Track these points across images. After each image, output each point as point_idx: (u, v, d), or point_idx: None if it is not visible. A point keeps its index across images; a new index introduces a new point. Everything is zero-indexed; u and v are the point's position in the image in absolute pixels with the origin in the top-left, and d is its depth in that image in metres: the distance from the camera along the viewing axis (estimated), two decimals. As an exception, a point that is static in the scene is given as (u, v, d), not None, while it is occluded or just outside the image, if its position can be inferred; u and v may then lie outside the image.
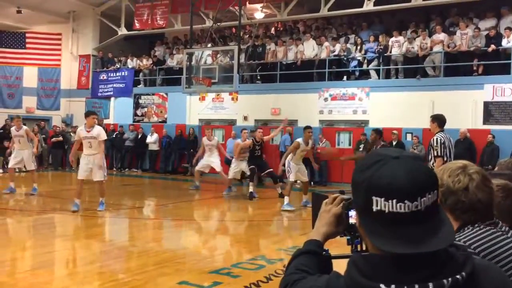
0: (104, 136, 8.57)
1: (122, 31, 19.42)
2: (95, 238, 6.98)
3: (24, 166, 11.32)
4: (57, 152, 18.12)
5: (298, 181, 10.94)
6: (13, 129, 10.98)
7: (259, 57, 16.68)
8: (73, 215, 8.35)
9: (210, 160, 12.07)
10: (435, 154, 6.09)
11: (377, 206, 0.98)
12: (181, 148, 17.13)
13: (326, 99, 15.14)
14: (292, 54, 15.94)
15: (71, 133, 18.31)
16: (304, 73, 15.50)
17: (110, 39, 19.82)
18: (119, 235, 7.52)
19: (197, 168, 12.40)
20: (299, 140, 9.48)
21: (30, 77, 20.56)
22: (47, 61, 20.75)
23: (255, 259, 5.54)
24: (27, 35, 20.52)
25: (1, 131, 17.89)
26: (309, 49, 15.64)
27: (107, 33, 19.92)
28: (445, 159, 5.98)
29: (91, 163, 8.45)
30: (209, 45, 16.75)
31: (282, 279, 1.23)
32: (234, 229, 8.29)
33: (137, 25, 18.69)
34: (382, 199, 0.98)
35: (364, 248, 1.31)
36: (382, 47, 14.53)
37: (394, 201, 0.97)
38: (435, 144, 6.12)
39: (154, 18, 18.28)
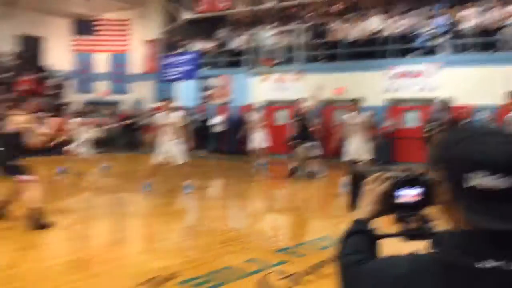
0: (183, 121, 8.76)
1: (187, 15, 19.75)
2: (165, 217, 7.26)
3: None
4: (127, 134, 18.92)
5: None
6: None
7: (323, 35, 16.41)
8: (144, 195, 8.71)
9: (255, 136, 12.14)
10: None
11: (470, 182, 0.96)
12: (245, 129, 17.28)
13: (392, 77, 14.68)
14: (357, 31, 15.54)
15: (140, 116, 19.04)
16: (369, 51, 15.08)
17: (176, 23, 20.24)
18: (187, 215, 7.78)
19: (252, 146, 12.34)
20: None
21: (101, 62, 21.51)
22: (116, 46, 21.57)
23: (320, 239, 5.54)
24: (98, 22, 21.39)
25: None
26: (375, 25, 15.18)
27: (172, 17, 20.35)
28: None
29: (170, 147, 8.61)
30: (272, 25, 16.68)
31: (340, 259, 1.21)
32: (299, 208, 8.32)
33: (201, 8, 18.92)
34: (476, 174, 0.95)
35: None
36: (452, 20, 13.82)
37: (489, 176, 0.94)
38: None
39: (218, 1, 18.42)
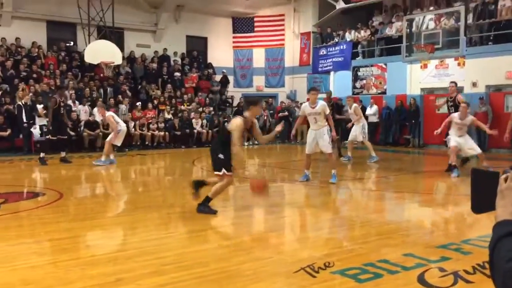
0: (327, 111, 8.84)
1: (340, 4, 19.61)
2: (320, 207, 7.38)
3: None
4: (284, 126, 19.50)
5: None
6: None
7: (490, 15, 14.92)
8: (300, 184, 8.95)
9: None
10: None
11: None
12: (402, 119, 16.64)
13: None
14: (532, 7, 13.81)
15: (296, 108, 19.48)
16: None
17: (329, 14, 20.23)
18: (342, 205, 7.78)
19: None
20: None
21: (258, 58, 22.51)
22: (272, 41, 22.36)
23: (485, 237, 5.10)
24: (255, 19, 22.41)
25: (236, 108, 20.09)
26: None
27: (325, 9, 20.39)
28: None
29: (317, 137, 8.74)
30: (431, 8, 15.68)
31: (506, 266, 1.11)
32: (461, 203, 7.76)
33: (355, -4, 18.61)
34: None
35: None
36: None
37: None
38: None
39: (372, -13, 17.91)
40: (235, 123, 6.16)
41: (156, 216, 6.37)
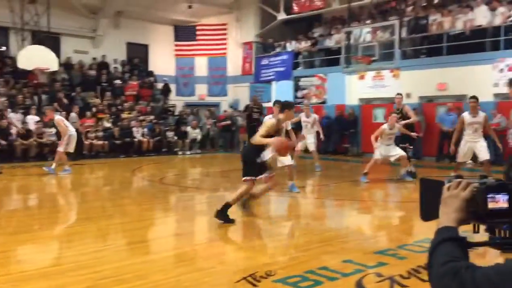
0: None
1: (282, 15, 19.95)
2: (262, 215, 7.41)
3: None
4: (226, 135, 19.53)
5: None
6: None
7: (422, 29, 15.70)
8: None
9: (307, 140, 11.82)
10: None
11: None
12: (341, 129, 17.08)
13: (501, 70, 13.65)
14: (461, 24, 14.67)
15: (238, 117, 19.55)
16: (475, 43, 14.15)
17: (270, 24, 20.52)
18: (283, 213, 7.86)
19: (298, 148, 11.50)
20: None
21: (201, 66, 22.42)
22: (215, 50, 22.36)
23: (422, 241, 5.32)
24: (197, 27, 22.34)
25: (178, 117, 19.90)
26: (481, 16, 14.23)
27: (267, 19, 20.68)
28: None
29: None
30: (368, 21, 16.29)
31: (436, 271, 1.17)
32: (398, 209, 8.05)
33: (295, 8, 19.01)
34: None
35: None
36: None
37: None
38: None
39: (312, 0, 18.37)
40: (267, 122, 6.16)
41: (93, 228, 6.15)
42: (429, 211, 1.37)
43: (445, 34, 14.94)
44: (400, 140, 10.65)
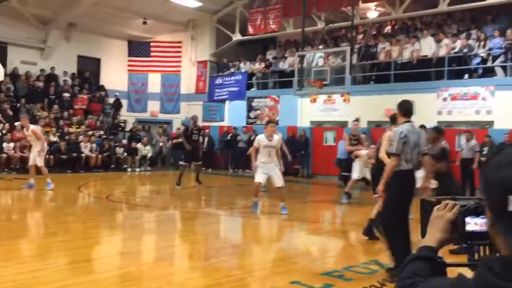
0: (282, 144, 8.93)
1: (237, 36, 20.15)
2: (211, 235, 7.34)
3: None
4: (178, 152, 19.29)
5: None
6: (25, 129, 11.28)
7: (372, 57, 16.29)
8: (192, 212, 8.84)
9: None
10: (390, 150, 4.96)
11: (510, 206, 0.96)
12: (293, 150, 17.27)
13: (445, 99, 14.32)
14: (408, 53, 15.33)
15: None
16: (421, 73, 14.81)
17: (225, 44, 20.67)
18: (233, 233, 7.81)
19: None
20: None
21: (154, 83, 22.19)
22: (169, 67, 22.23)
23: (368, 263, 5.43)
24: (151, 44, 22.16)
25: (130, 133, 19.55)
26: (427, 47, 14.93)
27: (222, 39, 20.81)
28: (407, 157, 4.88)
29: (268, 170, 8.61)
30: (321, 47, 16.72)
31: (397, 284, 1.22)
32: (346, 231, 8.19)
33: (250, 30, 19.25)
34: None
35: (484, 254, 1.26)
36: (509, 41, 13.38)
37: None
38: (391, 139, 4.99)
39: (267, 23, 18.69)
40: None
41: (34, 246, 5.88)
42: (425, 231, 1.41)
43: (393, 63, 15.56)
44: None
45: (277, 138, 8.74)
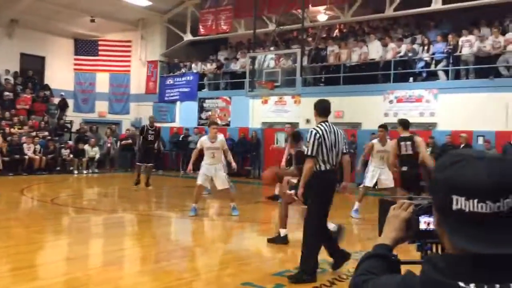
0: (225, 146, 8.74)
1: (188, 36, 19.98)
2: (161, 237, 7.22)
3: None
4: (127, 154, 18.89)
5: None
6: None
7: (322, 59, 16.58)
8: (140, 215, 8.67)
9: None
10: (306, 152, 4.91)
11: (457, 205, 0.99)
12: (244, 151, 17.32)
13: (391, 102, 14.78)
14: (356, 56, 15.71)
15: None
16: (369, 75, 15.24)
17: (176, 44, 20.44)
18: (183, 236, 7.72)
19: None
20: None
21: (102, 83, 21.62)
22: (117, 67, 21.73)
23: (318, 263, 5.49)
24: (99, 42, 21.59)
25: (77, 134, 18.94)
26: (374, 50, 15.36)
27: (173, 39, 20.57)
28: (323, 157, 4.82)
29: (212, 172, 8.55)
30: (272, 48, 16.85)
31: (351, 281, 1.24)
32: (297, 231, 8.27)
33: (202, 30, 19.13)
34: (463, 198, 0.98)
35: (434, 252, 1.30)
36: (451, 47, 13.98)
37: (475, 200, 0.97)
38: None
39: (218, 23, 18.64)
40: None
41: (-28, 253, 5.58)
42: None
43: (342, 65, 15.90)
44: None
45: (220, 139, 8.72)
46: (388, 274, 1.16)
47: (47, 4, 18.02)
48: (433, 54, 14.38)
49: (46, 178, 14.94)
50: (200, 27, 19.12)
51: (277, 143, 16.21)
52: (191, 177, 15.47)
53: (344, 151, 5.09)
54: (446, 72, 14.10)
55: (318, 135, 4.80)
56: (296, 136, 6.99)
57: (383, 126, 9.20)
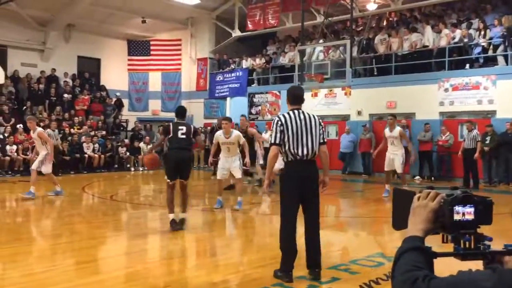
0: (242, 140, 8.92)
1: (236, 33, 20.11)
2: (216, 231, 7.34)
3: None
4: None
5: None
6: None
7: (372, 49, 16.23)
8: (196, 210, 8.85)
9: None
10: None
11: None
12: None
13: (446, 90, 14.28)
14: (408, 44, 15.27)
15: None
16: (422, 64, 14.78)
17: (225, 41, 20.64)
18: (237, 229, 7.81)
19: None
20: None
21: (154, 81, 22.18)
22: (169, 65, 22.22)
23: (373, 256, 5.42)
24: (151, 42, 22.14)
25: (132, 132, 19.55)
26: (427, 37, 14.88)
27: (222, 36, 20.78)
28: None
29: (228, 164, 8.83)
30: (321, 40, 16.67)
31: (400, 277, 1.19)
32: (350, 225, 8.19)
33: (250, 26, 19.21)
34: None
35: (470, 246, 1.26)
36: (505, 29, 13.30)
37: None
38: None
39: (266, 18, 18.64)
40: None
41: (40, 248, 5.89)
42: (400, 220, 1.40)
43: (394, 54, 15.50)
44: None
45: (234, 135, 8.88)
46: (462, 271, 1.12)
47: (100, 7, 18.66)
48: (491, 39, 13.75)
49: (105, 175, 15.54)
50: (248, 22, 19.20)
51: (328, 136, 16.04)
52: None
53: (321, 141, 4.64)
54: (506, 57, 13.46)
55: (280, 122, 4.52)
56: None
57: (392, 115, 10.47)
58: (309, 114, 4.69)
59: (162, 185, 14.13)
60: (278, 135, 4.50)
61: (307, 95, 17.44)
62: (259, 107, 19.19)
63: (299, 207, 4.58)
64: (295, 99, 4.76)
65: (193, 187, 12.32)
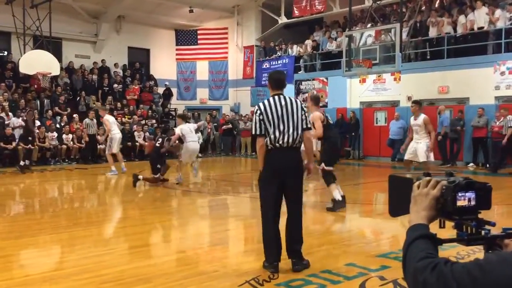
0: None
1: (282, 19, 19.99)
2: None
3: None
4: (227, 139, 19.53)
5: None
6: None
7: (424, 33, 15.71)
8: (243, 197, 8.95)
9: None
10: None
11: None
12: (343, 132, 17.07)
13: (503, 73, 13.67)
14: (461, 26, 14.68)
15: (239, 121, 19.55)
16: (476, 46, 14.18)
17: (271, 28, 20.56)
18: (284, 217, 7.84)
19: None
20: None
21: (202, 70, 22.46)
22: (216, 54, 22.41)
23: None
24: (198, 32, 22.39)
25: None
26: (481, 18, 14.24)
27: (268, 23, 20.71)
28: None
29: None
30: (369, 25, 16.30)
31: (418, 264, 1.18)
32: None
33: (296, 12, 19.04)
34: None
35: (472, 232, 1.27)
36: None
37: None
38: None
39: (313, 4, 18.41)
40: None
41: (95, 232, 6.15)
42: (397, 207, 1.42)
43: (446, 37, 14.96)
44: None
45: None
46: (489, 254, 1.11)
47: (149, -2, 19.02)
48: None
49: (155, 163, 15.91)
50: (295, 9, 19.03)
51: (377, 123, 15.79)
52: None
53: (304, 126, 4.45)
54: None
55: (259, 111, 4.35)
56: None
57: (415, 102, 9.53)
58: (290, 99, 4.49)
59: (209, 173, 14.38)
60: (258, 124, 4.33)
61: (354, 82, 17.18)
62: (306, 95, 19.03)
63: (282, 197, 4.51)
64: (277, 83, 4.51)
65: (239, 175, 12.45)
